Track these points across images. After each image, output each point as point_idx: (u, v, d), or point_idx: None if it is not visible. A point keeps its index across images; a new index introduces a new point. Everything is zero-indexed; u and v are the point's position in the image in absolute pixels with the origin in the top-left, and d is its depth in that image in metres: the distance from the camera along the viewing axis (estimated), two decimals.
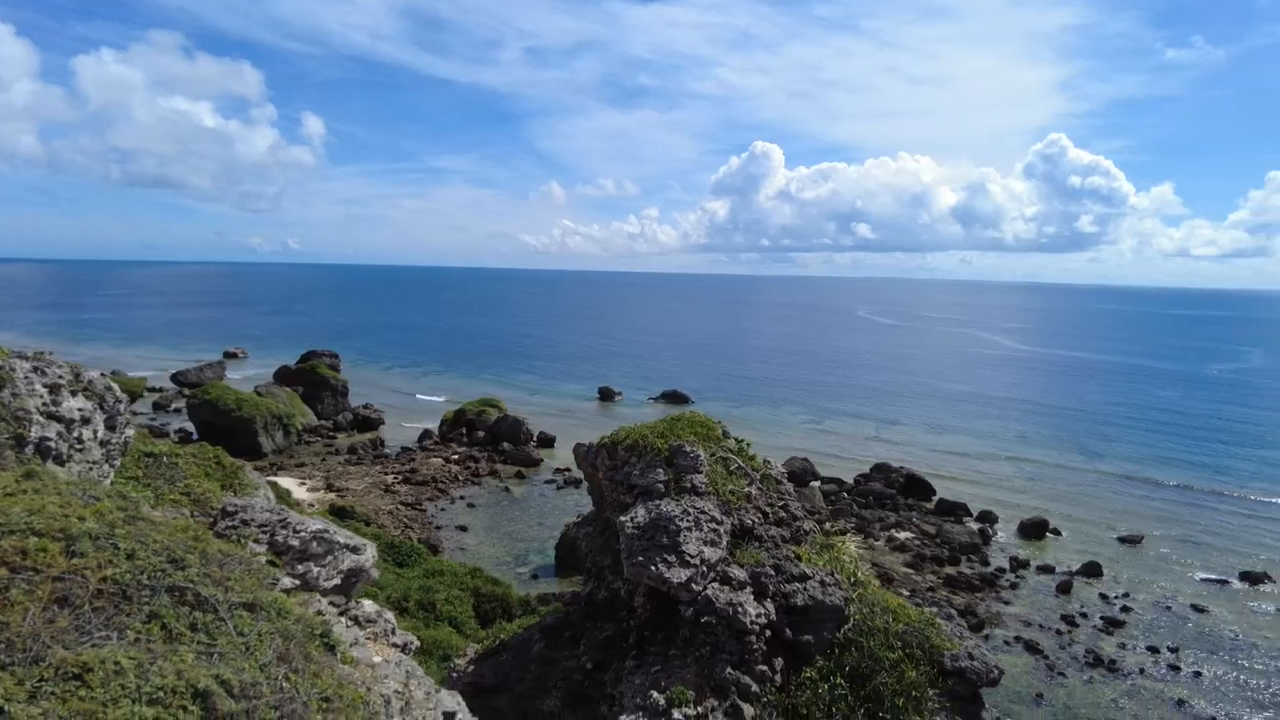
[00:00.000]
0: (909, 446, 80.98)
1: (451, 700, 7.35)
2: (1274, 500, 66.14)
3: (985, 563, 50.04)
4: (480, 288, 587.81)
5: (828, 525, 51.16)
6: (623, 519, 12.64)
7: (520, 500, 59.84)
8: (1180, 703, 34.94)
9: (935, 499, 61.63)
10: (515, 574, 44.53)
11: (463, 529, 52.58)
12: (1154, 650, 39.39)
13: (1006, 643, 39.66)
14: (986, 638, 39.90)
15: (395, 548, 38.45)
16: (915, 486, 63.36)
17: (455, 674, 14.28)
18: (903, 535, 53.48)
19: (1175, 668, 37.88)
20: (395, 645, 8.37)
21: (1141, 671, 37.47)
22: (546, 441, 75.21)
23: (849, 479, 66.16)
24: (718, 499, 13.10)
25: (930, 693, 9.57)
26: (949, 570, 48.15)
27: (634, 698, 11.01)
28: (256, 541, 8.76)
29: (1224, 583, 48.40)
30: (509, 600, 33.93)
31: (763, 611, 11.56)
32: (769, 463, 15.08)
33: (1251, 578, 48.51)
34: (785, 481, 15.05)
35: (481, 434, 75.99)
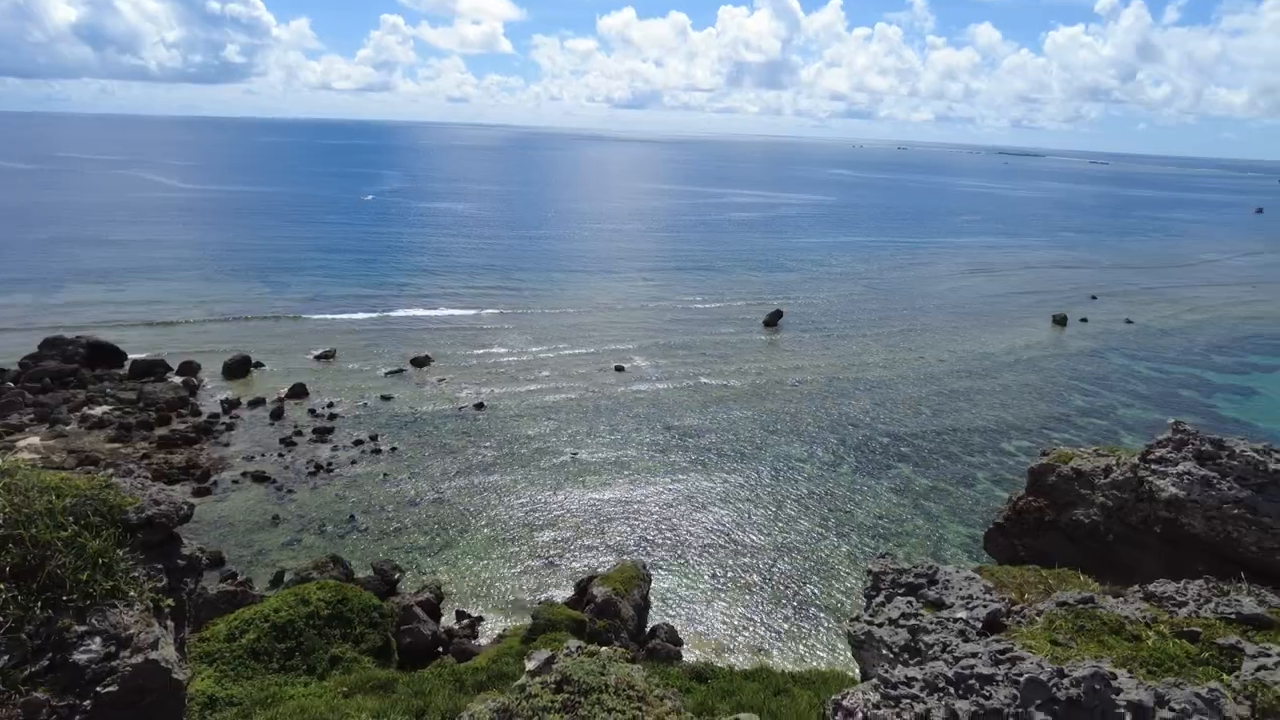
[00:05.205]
0: (85, 312, 70.85)
1: None
2: (435, 310, 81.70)
3: (197, 413, 49.01)
4: None
5: None
6: None
7: None
8: (385, 476, 41.86)
9: (128, 363, 56.45)
10: None
11: None
12: (359, 443, 45.77)
13: (235, 481, 40.55)
14: (215, 484, 40.01)
15: None
16: (101, 355, 56.61)
17: None
18: (98, 411, 47.88)
19: (378, 450, 44.90)
20: None
21: (353, 463, 43.31)
22: None
23: (13, 365, 54.78)
24: None
25: (120, 552, 9.01)
26: (161, 431, 45.69)
27: None
28: None
29: (401, 371, 58.40)
30: None
31: None
32: None
33: (418, 362, 59.87)
34: None
35: None
